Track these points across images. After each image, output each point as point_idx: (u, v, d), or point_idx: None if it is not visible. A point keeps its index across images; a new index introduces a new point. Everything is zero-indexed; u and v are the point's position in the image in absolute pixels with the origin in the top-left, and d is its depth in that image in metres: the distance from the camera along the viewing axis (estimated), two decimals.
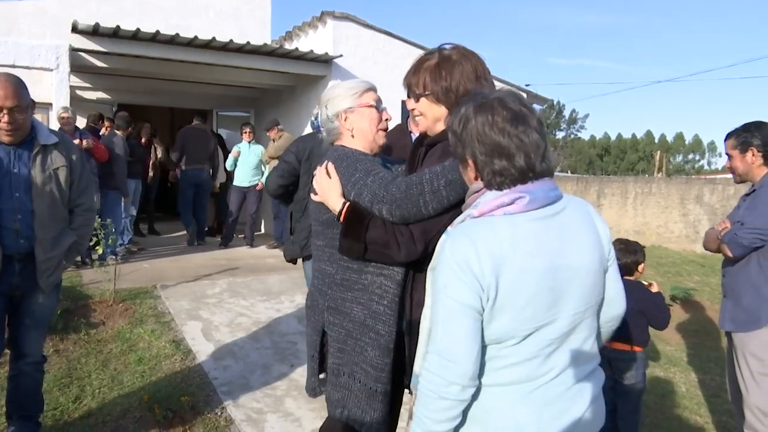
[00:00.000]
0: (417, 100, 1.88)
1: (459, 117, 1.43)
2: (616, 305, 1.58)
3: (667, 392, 4.24)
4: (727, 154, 2.98)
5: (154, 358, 4.06)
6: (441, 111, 1.84)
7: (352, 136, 2.05)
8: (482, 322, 1.33)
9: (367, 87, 2.10)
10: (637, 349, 3.24)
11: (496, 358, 1.36)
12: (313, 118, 2.17)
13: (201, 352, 4.21)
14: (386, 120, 2.11)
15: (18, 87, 2.52)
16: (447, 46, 1.88)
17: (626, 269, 3.33)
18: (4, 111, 2.47)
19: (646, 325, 3.27)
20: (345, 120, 2.05)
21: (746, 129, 2.89)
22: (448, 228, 1.45)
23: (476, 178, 1.44)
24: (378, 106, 2.10)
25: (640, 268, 3.38)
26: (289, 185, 3.72)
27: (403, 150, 3.93)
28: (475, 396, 1.36)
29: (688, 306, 6.36)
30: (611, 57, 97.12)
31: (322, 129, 2.15)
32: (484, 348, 1.35)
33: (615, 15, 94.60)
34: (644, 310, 3.21)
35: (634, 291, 3.28)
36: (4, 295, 2.68)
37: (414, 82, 1.87)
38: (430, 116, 1.88)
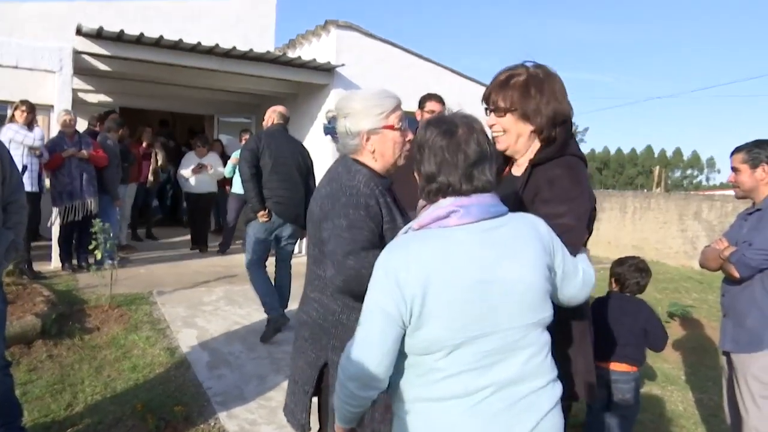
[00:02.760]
0: (502, 115, 1.84)
1: (420, 133, 1.49)
2: (579, 297, 1.65)
3: (664, 411, 4.20)
4: (732, 168, 2.92)
5: (148, 366, 4.02)
6: (526, 128, 1.85)
7: (374, 159, 1.99)
8: (406, 331, 1.37)
9: (393, 106, 1.98)
10: (635, 369, 3.21)
11: (432, 371, 1.38)
12: (326, 122, 2.08)
13: (196, 360, 4.18)
14: (408, 141, 2.02)
15: None
16: (530, 64, 1.86)
17: (640, 289, 3.30)
18: None
19: (645, 345, 3.24)
20: (367, 141, 1.97)
21: (758, 144, 2.84)
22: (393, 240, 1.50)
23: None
24: (402, 126, 2.01)
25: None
26: (257, 166, 4.73)
27: (411, 164, 4.01)
28: (420, 413, 1.40)
29: (687, 323, 6.34)
30: (609, 71, 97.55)
31: (337, 138, 2.06)
32: (418, 361, 1.40)
33: (613, 30, 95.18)
34: (649, 329, 3.18)
35: (642, 310, 3.24)
36: None
37: (500, 98, 1.83)
38: (514, 133, 1.86)
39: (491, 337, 1.36)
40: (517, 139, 1.87)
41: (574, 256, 1.63)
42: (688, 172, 55.47)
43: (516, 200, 1.79)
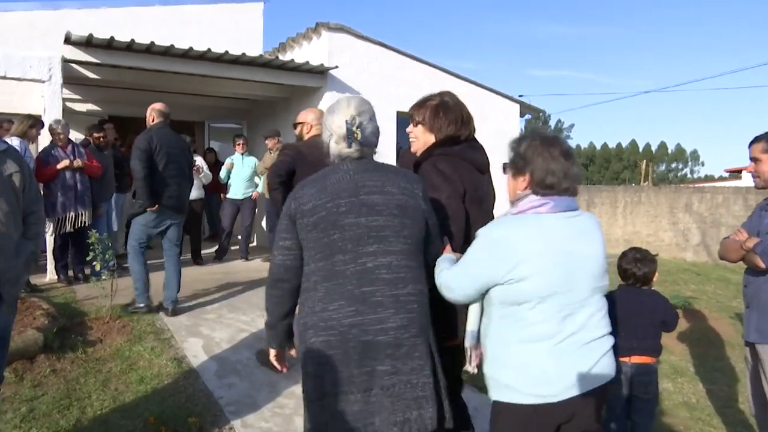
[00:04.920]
0: (415, 125, 2.49)
1: (527, 143, 1.96)
2: None
3: (678, 403, 4.20)
4: (752, 158, 2.87)
5: (156, 377, 3.94)
6: (430, 138, 2.46)
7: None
8: (506, 284, 1.84)
9: None
10: (655, 360, 3.20)
11: (523, 319, 1.84)
12: (355, 128, 2.03)
13: (204, 369, 4.11)
14: None
15: None
16: (446, 96, 2.50)
17: (644, 279, 3.27)
18: None
19: (661, 335, 3.23)
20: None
21: None
22: (493, 220, 2.06)
23: (525, 188, 1.95)
24: None
25: (654, 277, 3.33)
26: (151, 166, 5.01)
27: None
28: (512, 352, 1.86)
29: (689, 315, 6.36)
30: (591, 68, 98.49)
31: (367, 140, 2.08)
32: (512, 311, 1.86)
33: (591, 27, 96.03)
34: (667, 320, 3.17)
35: (658, 302, 3.22)
36: None
37: (417, 113, 2.48)
38: (421, 140, 2.48)
39: (568, 294, 1.83)
40: (423, 145, 2.47)
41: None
42: (673, 165, 56.07)
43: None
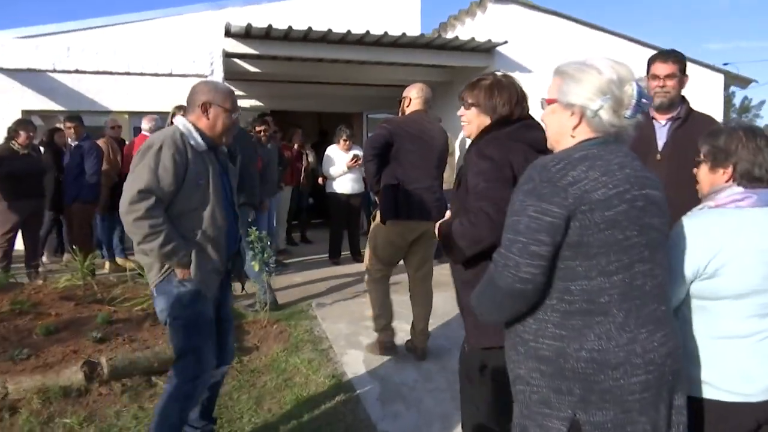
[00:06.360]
0: (468, 108, 2.31)
1: (730, 135, 1.81)
2: None
3: None
4: None
5: (312, 399, 3.46)
6: (485, 121, 2.28)
7: None
8: (702, 279, 1.70)
9: None
10: None
11: (721, 314, 1.73)
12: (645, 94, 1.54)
13: (365, 392, 3.55)
14: None
15: None
16: (498, 73, 2.35)
17: None
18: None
19: None
20: None
21: None
22: (688, 213, 1.83)
23: (727, 180, 1.80)
24: None
25: None
26: None
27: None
28: (709, 349, 1.74)
29: None
30: None
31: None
32: (709, 306, 1.74)
33: None
34: None
35: None
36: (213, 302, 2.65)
37: (469, 95, 2.30)
38: (475, 123, 2.31)
39: None
40: (477, 128, 2.30)
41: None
42: None
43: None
